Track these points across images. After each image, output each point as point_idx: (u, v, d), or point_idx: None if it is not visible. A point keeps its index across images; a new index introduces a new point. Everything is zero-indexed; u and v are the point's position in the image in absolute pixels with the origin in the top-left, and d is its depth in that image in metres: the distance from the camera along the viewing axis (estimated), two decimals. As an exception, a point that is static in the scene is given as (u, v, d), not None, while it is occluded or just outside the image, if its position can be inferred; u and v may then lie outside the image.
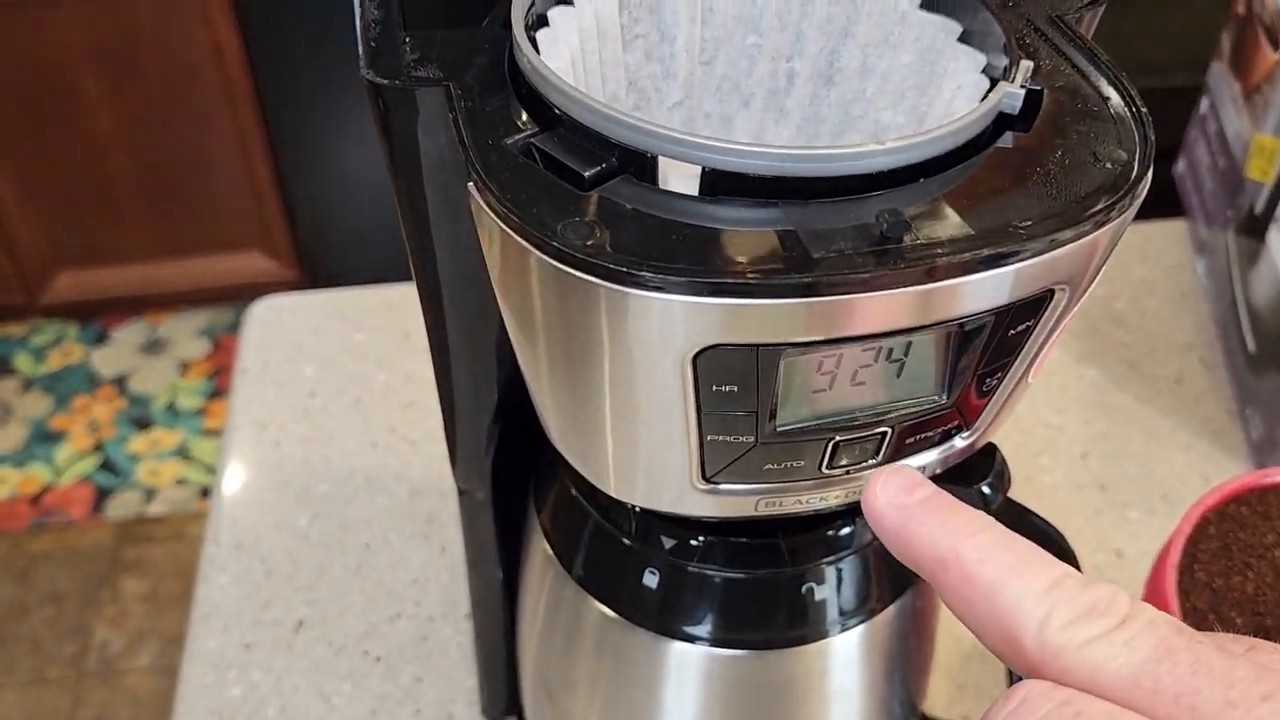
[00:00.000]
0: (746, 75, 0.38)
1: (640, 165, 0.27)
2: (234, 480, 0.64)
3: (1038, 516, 0.38)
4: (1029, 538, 0.37)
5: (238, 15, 1.63)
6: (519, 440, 0.41)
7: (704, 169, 0.26)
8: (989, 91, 0.30)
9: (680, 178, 0.27)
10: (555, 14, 0.32)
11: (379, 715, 0.54)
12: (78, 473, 1.78)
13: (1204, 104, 0.82)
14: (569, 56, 0.32)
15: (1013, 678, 0.42)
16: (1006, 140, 0.28)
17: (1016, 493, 0.63)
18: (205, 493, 1.75)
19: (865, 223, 0.25)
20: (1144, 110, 0.29)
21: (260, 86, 1.71)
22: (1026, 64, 0.30)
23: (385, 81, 0.29)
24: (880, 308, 0.25)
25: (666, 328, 0.25)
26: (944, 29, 0.33)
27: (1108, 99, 0.29)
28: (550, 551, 0.40)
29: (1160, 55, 2.02)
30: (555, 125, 0.28)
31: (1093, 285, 0.28)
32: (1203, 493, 0.47)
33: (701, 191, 0.26)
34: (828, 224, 0.25)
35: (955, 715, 0.54)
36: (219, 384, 1.91)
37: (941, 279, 0.24)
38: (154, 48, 1.65)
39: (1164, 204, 0.87)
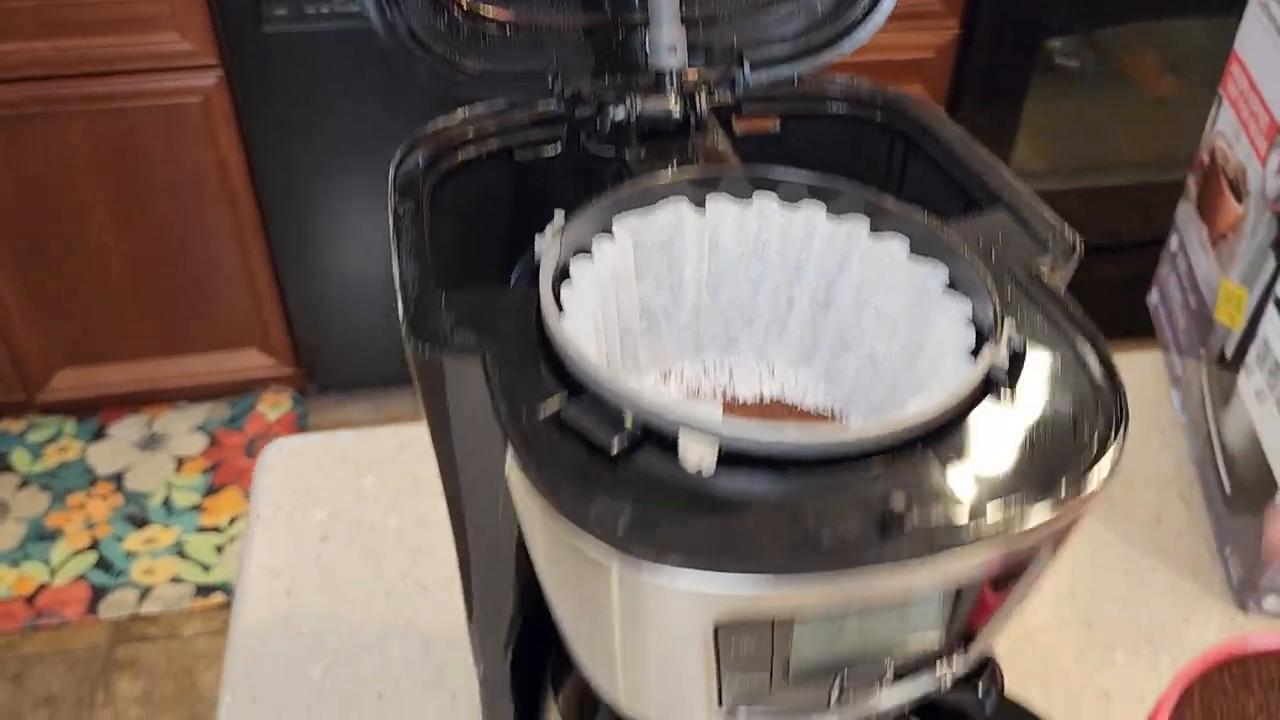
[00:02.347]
0: (750, 299, 0.41)
1: (662, 439, 0.29)
2: (248, 630, 0.66)
3: (1030, 713, 0.40)
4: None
5: (240, 130, 1.68)
6: (537, 630, 0.44)
7: (721, 447, 0.29)
8: (976, 342, 0.34)
9: (699, 459, 0.29)
10: (576, 266, 0.36)
11: None
12: (73, 571, 1.78)
13: (1174, 241, 0.86)
14: (592, 304, 0.35)
15: None
16: (994, 404, 0.31)
17: (1007, 634, 0.65)
18: (200, 590, 1.76)
19: (869, 499, 0.28)
20: (1118, 375, 0.32)
21: (261, 194, 1.75)
22: (1010, 323, 0.33)
23: (427, 354, 0.32)
24: (882, 584, 0.27)
25: (691, 606, 0.27)
26: (933, 275, 0.36)
27: (1085, 362, 0.33)
28: (568, 741, 0.42)
29: (1132, 152, 2.08)
30: (583, 390, 0.31)
31: (1074, 536, 0.31)
32: (1185, 637, 0.50)
33: (720, 466, 0.29)
34: (834, 499, 0.28)
35: None
36: (215, 480, 1.92)
37: (939, 557, 0.27)
38: (158, 160, 1.69)
39: (1133, 318, 0.90)
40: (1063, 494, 0.28)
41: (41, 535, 1.83)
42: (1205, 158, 0.81)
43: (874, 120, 0.45)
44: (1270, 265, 0.68)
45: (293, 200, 1.77)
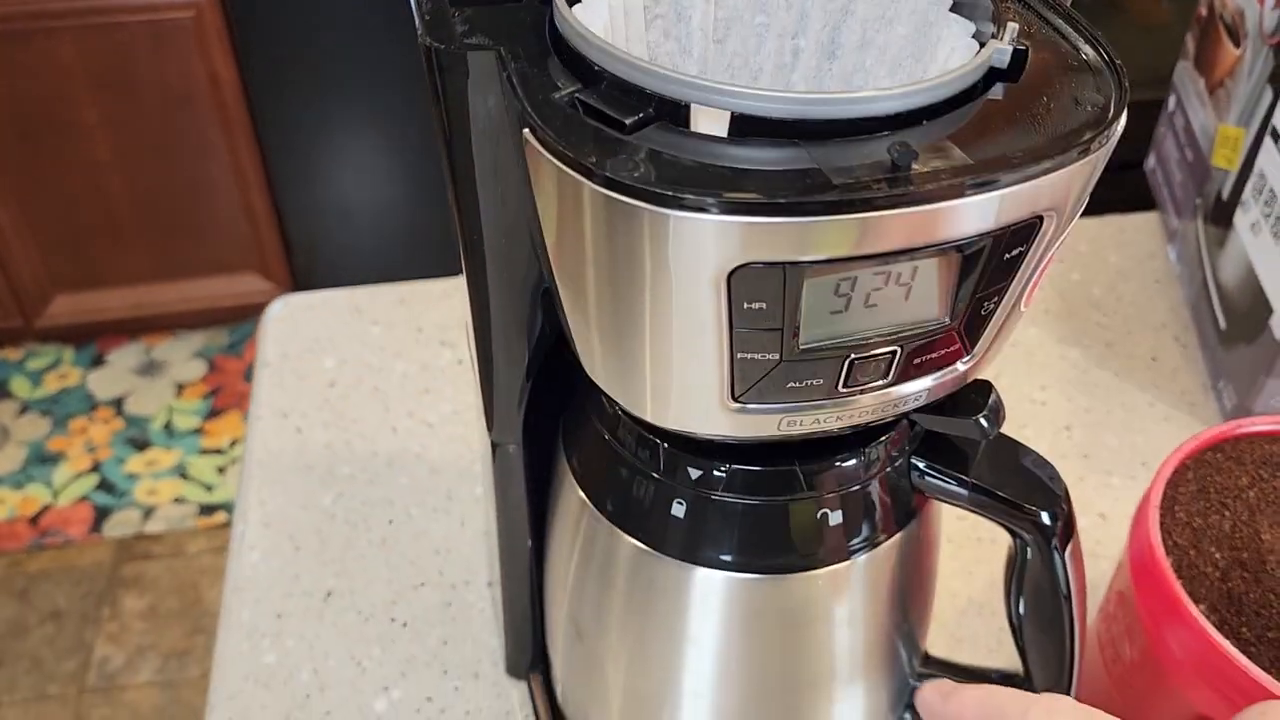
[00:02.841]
0: (755, 52, 0.41)
1: (674, 112, 0.30)
2: (259, 464, 0.67)
3: (1031, 451, 0.41)
4: (1024, 470, 0.40)
5: (233, 44, 1.67)
6: (548, 400, 0.45)
7: (732, 114, 0.30)
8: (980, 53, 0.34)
9: (710, 123, 0.30)
10: (586, -8, 0.36)
11: (408, 676, 0.57)
12: (76, 493, 1.79)
13: (1171, 101, 0.87)
14: (600, 31, 0.36)
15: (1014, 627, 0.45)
16: (997, 91, 0.32)
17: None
18: (203, 510, 1.77)
19: (877, 156, 0.29)
20: (1118, 62, 0.32)
21: (256, 113, 1.75)
22: (1013, 25, 0.33)
23: (443, 46, 0.32)
24: (892, 227, 0.28)
25: (705, 247, 0.28)
26: (936, 2, 0.37)
27: (1085, 55, 0.33)
28: (583, 495, 0.43)
29: (1138, 75, 2.08)
30: (597, 81, 0.31)
31: (1076, 217, 0.32)
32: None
33: (730, 134, 0.30)
34: (844, 159, 0.29)
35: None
36: (215, 404, 1.93)
37: (945, 200, 0.28)
38: (150, 77, 1.69)
39: (1135, 203, 0.91)
40: (1070, 145, 0.29)
41: (43, 459, 1.84)
42: (1203, 10, 0.82)
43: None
44: (1267, 98, 0.69)
45: (288, 119, 1.77)
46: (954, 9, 0.37)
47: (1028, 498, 0.40)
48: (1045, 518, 0.40)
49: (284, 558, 0.62)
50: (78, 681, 1.56)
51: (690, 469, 0.39)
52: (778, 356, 0.31)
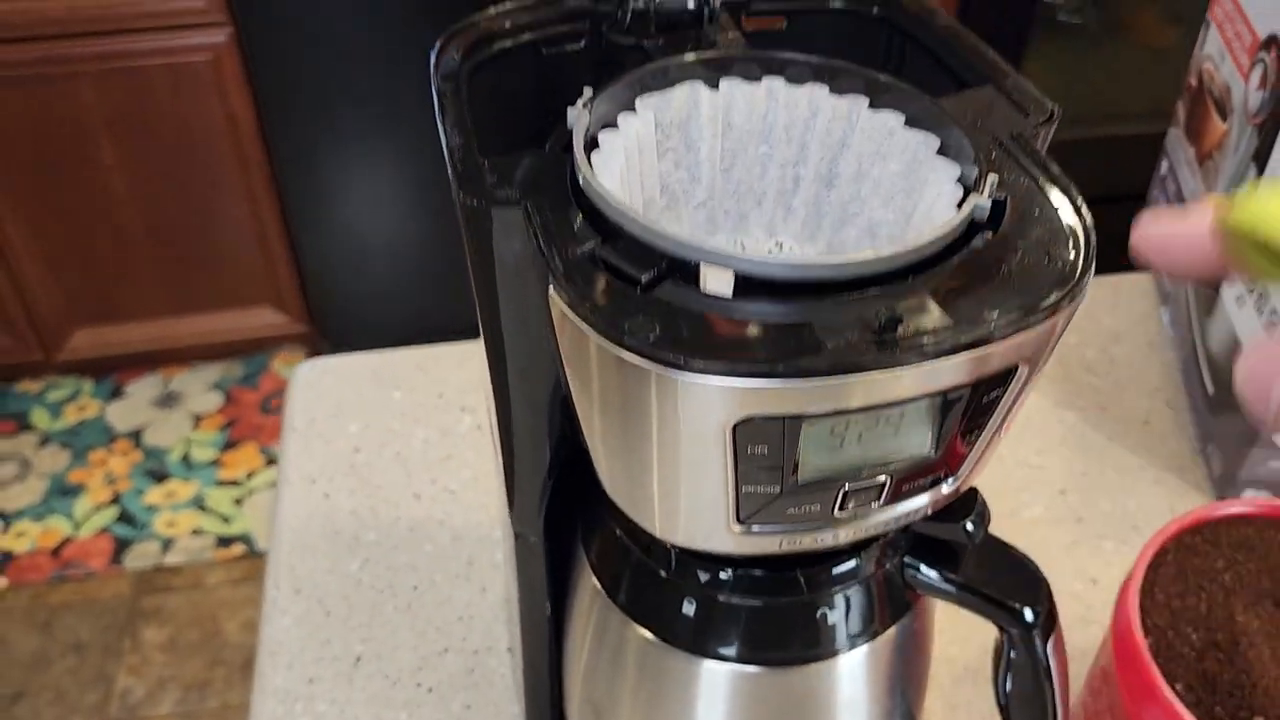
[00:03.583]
0: (759, 178, 0.45)
1: (685, 270, 0.33)
2: (289, 530, 0.70)
3: (1015, 550, 0.44)
4: (1009, 568, 0.43)
5: (250, 85, 1.71)
6: (568, 491, 0.48)
7: (736, 274, 0.33)
8: (963, 199, 0.37)
9: (717, 281, 0.33)
10: (604, 136, 0.39)
11: (433, 740, 0.60)
12: (96, 525, 1.83)
13: (1164, 165, 0.90)
14: (618, 170, 0.39)
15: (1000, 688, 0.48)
16: (978, 242, 0.35)
17: (1002, 527, 0.69)
18: (221, 542, 1.81)
19: (868, 314, 0.32)
20: (1088, 218, 0.36)
21: (271, 151, 1.79)
22: (993, 177, 0.36)
23: (475, 203, 0.36)
24: (879, 385, 0.31)
25: (711, 404, 0.31)
26: (925, 143, 0.40)
27: (1058, 208, 0.36)
28: (598, 585, 0.46)
29: (1132, 104, 2.11)
30: (615, 235, 0.35)
31: (1050, 357, 0.35)
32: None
33: (735, 292, 0.33)
34: (836, 317, 0.32)
35: (951, 729, 0.60)
36: (232, 435, 1.97)
37: (927, 361, 0.31)
38: (169, 117, 1.73)
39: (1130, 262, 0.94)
40: (1039, 306, 0.32)
41: (64, 491, 1.88)
42: (1193, 81, 0.85)
43: (871, 14, 0.49)
44: (1252, 176, 0.72)
45: (304, 158, 1.81)
46: (942, 150, 0.40)
47: (1012, 595, 0.43)
48: (1029, 614, 0.43)
49: (314, 623, 0.65)
50: (100, 713, 1.59)
51: (699, 572, 0.42)
52: (778, 490, 0.34)
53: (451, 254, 1.93)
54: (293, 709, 0.61)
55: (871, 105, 0.41)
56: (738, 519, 0.36)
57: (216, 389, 2.05)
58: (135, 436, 1.97)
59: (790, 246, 0.45)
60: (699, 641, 0.43)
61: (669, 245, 0.33)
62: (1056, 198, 0.37)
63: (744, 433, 0.32)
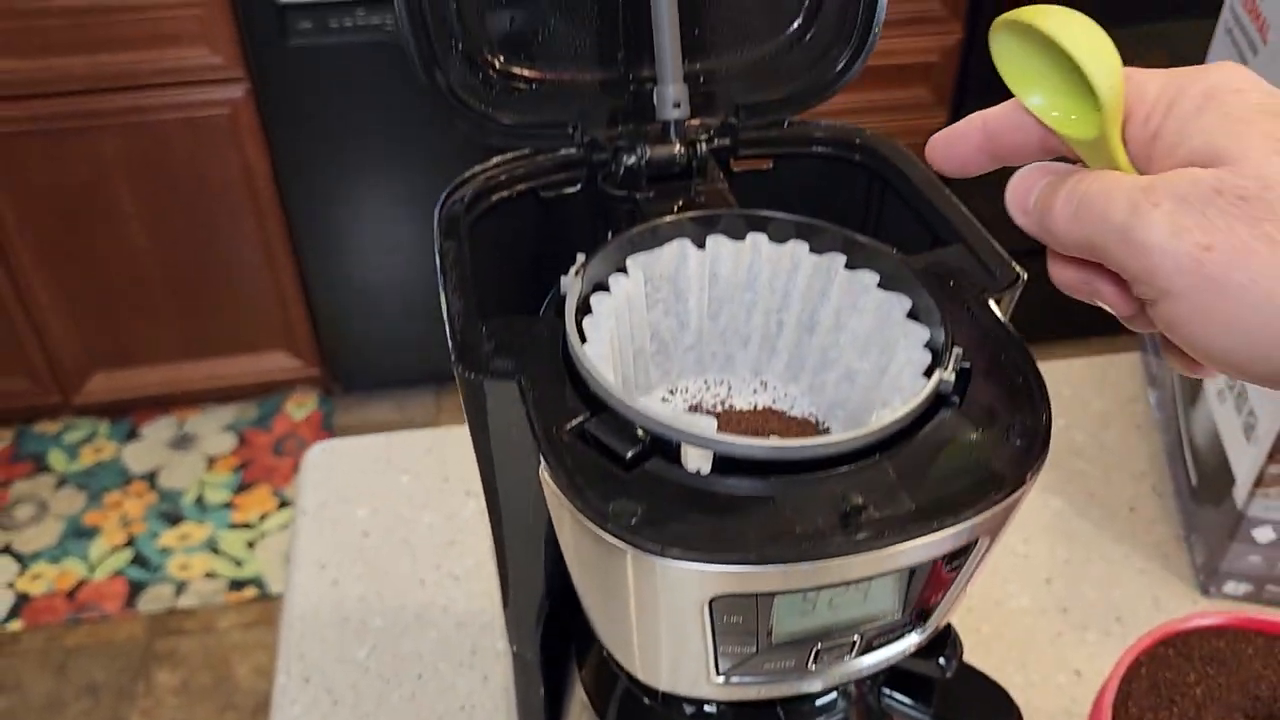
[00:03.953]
0: (745, 323, 0.47)
1: (667, 447, 0.36)
2: (298, 617, 0.73)
3: (988, 679, 0.47)
4: (982, 698, 0.46)
5: (266, 137, 1.75)
6: (564, 612, 0.50)
7: (715, 454, 0.35)
8: (932, 364, 0.40)
9: (697, 458, 0.36)
10: (596, 300, 0.42)
11: (435, 832, 0.62)
12: (111, 567, 1.86)
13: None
14: (609, 333, 0.42)
15: None
16: (941, 419, 0.37)
17: (990, 616, 0.72)
18: (233, 585, 1.83)
19: (834, 500, 0.34)
20: (1045, 392, 0.38)
21: (286, 200, 1.82)
22: (958, 350, 0.39)
23: (472, 377, 0.38)
24: (845, 568, 0.34)
25: (688, 584, 0.34)
26: (898, 304, 0.43)
27: (1020, 378, 0.39)
28: (588, 703, 0.49)
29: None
30: (602, 408, 0.37)
31: (1009, 526, 0.37)
32: (1152, 618, 0.56)
33: (713, 469, 0.35)
34: (807, 497, 0.34)
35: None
36: (245, 478, 2.00)
37: (892, 545, 0.33)
38: (187, 168, 1.77)
39: (1119, 339, 0.96)
40: (995, 490, 0.34)
41: (80, 533, 1.91)
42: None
43: (853, 160, 0.51)
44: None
45: (317, 207, 1.84)
46: (912, 313, 0.42)
47: (985, 722, 0.46)
48: (1000, 742, 0.45)
49: (323, 712, 0.68)
50: (113, 757, 1.61)
51: (685, 705, 0.45)
52: (754, 649, 0.37)
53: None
54: (301, 800, 0.63)
55: (848, 264, 0.44)
56: (717, 672, 0.38)
57: (230, 431, 2.08)
58: (150, 478, 2.00)
59: (774, 386, 0.48)
60: (685, 767, 0.46)
61: (651, 424, 0.36)
62: (1017, 368, 0.39)
63: (720, 605, 0.35)
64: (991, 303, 0.42)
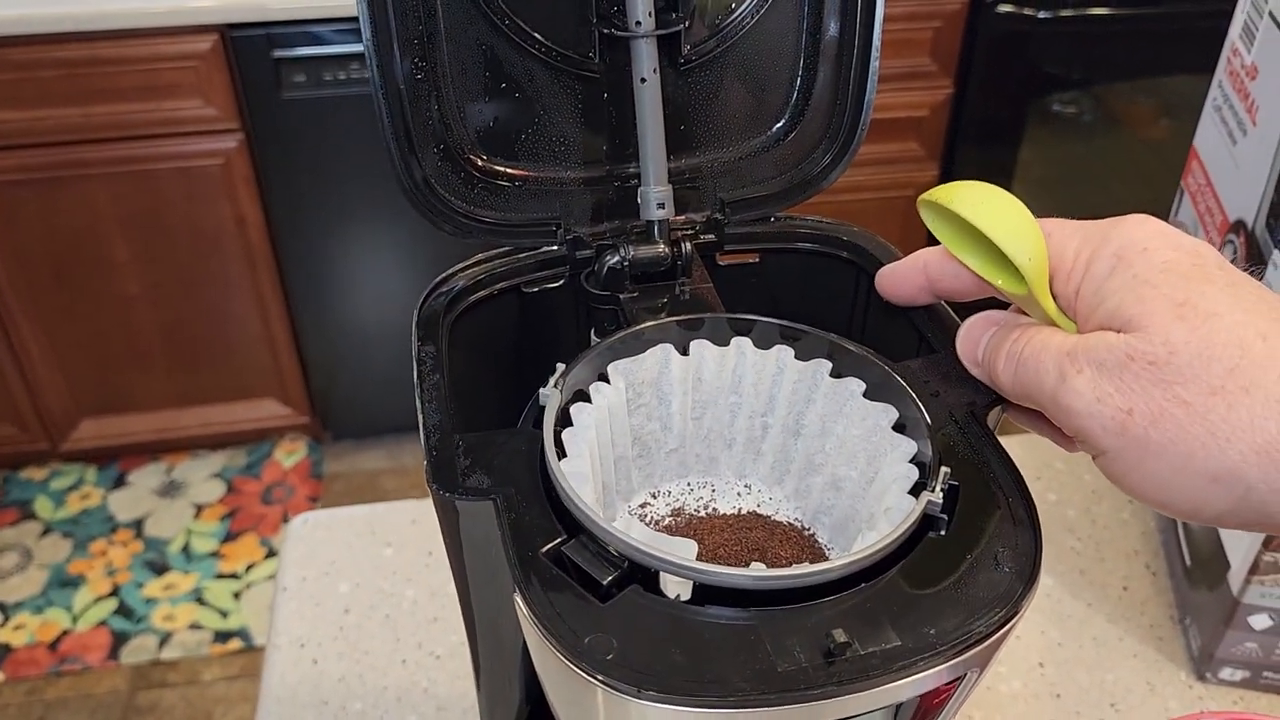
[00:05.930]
0: (729, 425, 0.46)
1: (646, 576, 0.35)
2: (275, 700, 0.71)
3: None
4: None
5: (259, 188, 1.75)
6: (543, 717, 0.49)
7: (695, 583, 0.34)
8: (918, 481, 0.39)
9: (676, 587, 0.35)
10: (576, 411, 0.41)
11: None
12: (95, 618, 1.84)
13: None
14: (589, 446, 0.41)
15: None
16: (928, 546, 0.36)
17: (982, 700, 0.70)
18: (218, 636, 1.81)
19: (816, 633, 0.33)
20: (1035, 513, 0.37)
21: (278, 249, 1.82)
22: (945, 470, 0.38)
23: (446, 495, 0.37)
24: (829, 709, 0.33)
25: (667, 724, 0.33)
26: (884, 414, 0.42)
27: (1009, 497, 0.38)
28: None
29: (1128, 196, 2.13)
30: (580, 531, 0.36)
31: (996, 659, 0.36)
32: (1147, 703, 0.55)
33: (694, 598, 0.35)
34: (787, 631, 0.33)
35: None
36: (232, 526, 1.98)
37: (877, 683, 0.32)
38: (180, 218, 1.76)
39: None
40: (982, 627, 0.33)
41: (64, 582, 1.89)
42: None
43: (841, 257, 0.51)
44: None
45: (309, 257, 1.84)
46: (898, 425, 0.42)
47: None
48: None
49: (298, 801, 0.66)
50: (92, 815, 1.59)
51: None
52: (736, 784, 0.36)
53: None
54: None
55: (834, 372, 0.43)
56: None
57: (219, 478, 2.06)
58: (137, 526, 1.98)
59: (759, 488, 0.47)
60: None
61: (630, 549, 0.35)
62: (1006, 489, 0.38)
63: (700, 745, 0.34)
64: (978, 419, 0.41)
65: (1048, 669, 0.74)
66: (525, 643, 0.39)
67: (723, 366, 0.45)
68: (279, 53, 1.63)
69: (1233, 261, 0.74)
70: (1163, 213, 0.89)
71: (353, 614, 0.77)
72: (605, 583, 0.35)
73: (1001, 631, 0.34)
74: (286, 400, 2.01)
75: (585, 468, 0.39)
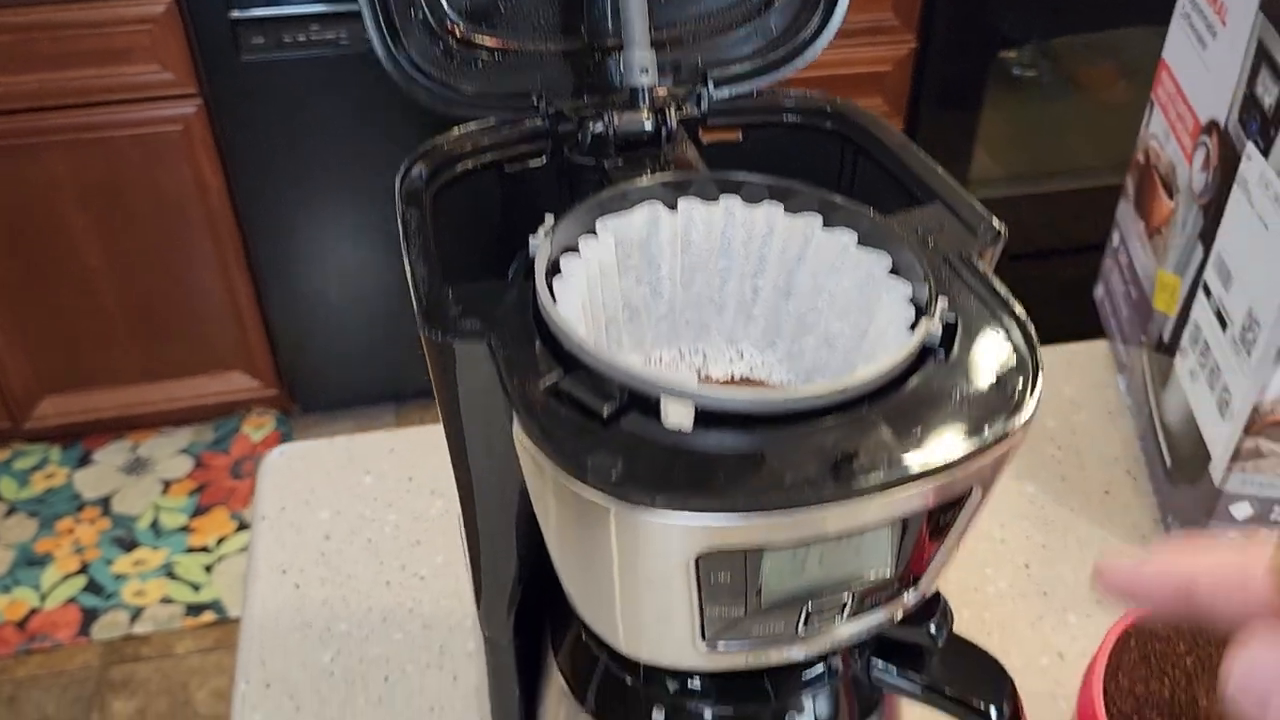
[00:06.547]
0: (719, 290, 0.46)
1: (645, 403, 0.34)
2: (258, 624, 0.70)
3: (980, 649, 0.45)
4: (973, 667, 0.44)
5: (220, 154, 1.72)
6: (537, 594, 0.49)
7: (697, 408, 0.34)
8: (916, 319, 0.39)
9: (678, 414, 0.34)
10: (565, 261, 0.40)
11: (407, 838, 0.60)
12: (63, 595, 1.81)
13: (1115, 237, 0.92)
14: (579, 295, 0.40)
15: None
16: (930, 367, 0.36)
17: (969, 600, 0.70)
18: (190, 610, 1.79)
19: (825, 444, 0.33)
20: (1034, 336, 0.37)
21: (242, 217, 1.79)
22: (943, 301, 0.38)
23: (440, 338, 0.36)
24: (837, 517, 0.32)
25: (673, 540, 0.32)
26: (878, 262, 0.42)
27: (1007, 329, 0.38)
28: (566, 688, 0.47)
29: (1086, 157, 2.15)
30: (576, 367, 0.36)
31: (1000, 478, 0.36)
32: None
33: (695, 424, 0.34)
34: (794, 449, 0.33)
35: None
36: (202, 501, 1.95)
37: (883, 493, 0.32)
38: (140, 187, 1.73)
39: (1087, 318, 0.96)
40: (987, 436, 0.33)
41: (30, 561, 1.86)
42: (1140, 158, 0.87)
43: (825, 128, 0.50)
44: (1199, 254, 0.74)
45: (273, 224, 1.82)
46: (894, 269, 0.41)
47: (978, 694, 0.44)
48: (994, 713, 0.44)
49: (285, 718, 0.65)
50: (68, 791, 1.56)
51: (667, 681, 0.43)
52: (743, 611, 0.35)
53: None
54: (266, 809, 0.61)
55: (825, 224, 0.43)
56: (703, 638, 0.37)
57: (186, 454, 2.04)
58: (104, 504, 1.95)
59: (750, 354, 0.47)
60: (669, 750, 0.44)
61: (629, 378, 0.34)
62: (1004, 319, 0.38)
63: (707, 564, 0.33)
64: (972, 263, 0.41)
65: (1033, 569, 0.74)
66: (523, 494, 0.38)
67: (711, 227, 0.44)
68: (236, 13, 1.60)
69: (1204, 164, 0.75)
70: (1120, 171, 0.89)
71: (334, 540, 0.76)
72: (605, 414, 0.34)
73: (1007, 443, 0.34)
74: (254, 372, 1.99)
75: (578, 313, 0.38)
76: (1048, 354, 0.91)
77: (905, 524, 0.35)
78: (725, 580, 0.34)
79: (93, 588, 1.82)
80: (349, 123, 1.72)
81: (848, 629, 0.38)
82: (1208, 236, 0.73)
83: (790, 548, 0.33)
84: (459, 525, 0.47)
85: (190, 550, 1.87)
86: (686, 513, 0.31)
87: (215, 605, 1.79)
